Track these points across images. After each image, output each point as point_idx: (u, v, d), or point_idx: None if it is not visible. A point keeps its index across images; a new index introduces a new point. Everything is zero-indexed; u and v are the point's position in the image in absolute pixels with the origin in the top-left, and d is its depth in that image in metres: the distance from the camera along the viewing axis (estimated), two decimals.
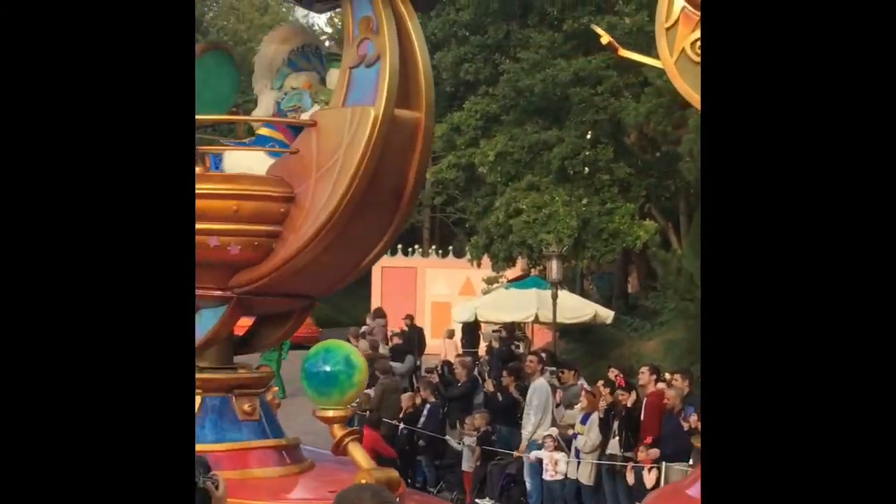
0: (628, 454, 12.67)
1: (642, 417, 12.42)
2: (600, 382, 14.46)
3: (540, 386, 14.05)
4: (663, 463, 11.66)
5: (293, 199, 6.35)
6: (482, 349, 19.22)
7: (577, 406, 14.08)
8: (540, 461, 12.81)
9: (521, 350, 18.17)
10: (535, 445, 13.62)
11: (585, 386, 14.67)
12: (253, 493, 6.46)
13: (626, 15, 18.41)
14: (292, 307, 7.13)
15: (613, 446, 13.38)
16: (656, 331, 18.53)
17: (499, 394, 17.00)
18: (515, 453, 13.80)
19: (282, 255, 6.37)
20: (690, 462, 11.67)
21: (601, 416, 13.12)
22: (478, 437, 15.32)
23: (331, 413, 6.50)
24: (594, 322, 18.81)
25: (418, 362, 17.40)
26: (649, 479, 11.86)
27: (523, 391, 15.71)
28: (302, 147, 6.39)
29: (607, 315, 18.92)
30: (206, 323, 6.71)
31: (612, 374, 16.25)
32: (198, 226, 6.22)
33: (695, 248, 17.56)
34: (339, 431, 6.46)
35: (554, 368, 15.74)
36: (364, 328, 18.08)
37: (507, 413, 16.24)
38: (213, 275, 6.59)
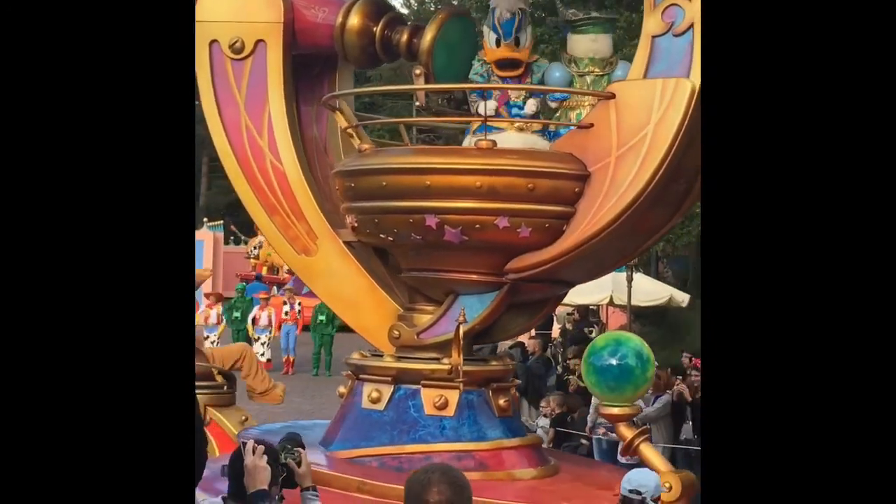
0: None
1: None
2: (669, 370, 14.50)
3: None
4: None
5: (587, 178, 5.80)
6: (555, 331, 18.80)
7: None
8: (612, 444, 12.83)
9: (595, 333, 17.79)
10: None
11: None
12: (530, 496, 5.95)
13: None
14: (550, 294, 6.59)
15: (687, 430, 13.45)
16: None
17: (572, 377, 16.92)
18: (584, 438, 13.71)
19: (574, 238, 5.82)
20: None
21: (674, 399, 13.20)
22: (552, 420, 15.23)
23: (616, 410, 6.00)
24: (669, 305, 18.47)
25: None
26: None
27: None
28: (598, 122, 5.83)
29: (683, 298, 18.57)
30: (470, 311, 6.15)
31: (686, 358, 16.13)
32: (486, 204, 5.78)
33: None
34: (627, 432, 5.96)
35: None
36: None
37: (585, 395, 16.17)
38: (486, 258, 6.05)
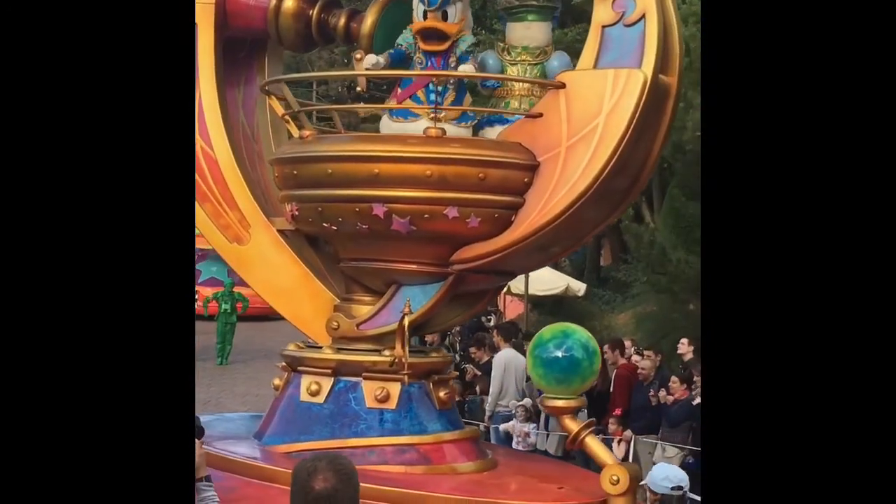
0: (598, 427, 12.96)
1: (611, 390, 12.70)
2: None
3: (499, 358, 14.13)
4: (632, 435, 11.87)
5: (537, 168, 5.73)
6: None
7: None
8: (508, 432, 12.93)
9: (493, 322, 17.82)
10: (499, 417, 13.67)
11: None
12: (477, 490, 5.86)
13: None
14: (492, 285, 6.52)
15: (582, 418, 13.60)
16: (628, 304, 18.44)
17: (469, 365, 17.01)
18: (482, 425, 13.81)
19: (523, 229, 5.75)
20: (659, 435, 11.93)
21: None
22: None
23: (561, 403, 5.94)
24: (566, 294, 18.61)
25: None
26: (618, 451, 12.18)
27: None
28: (547, 111, 5.77)
29: (579, 288, 18.72)
30: (413, 302, 6.03)
31: None
32: (435, 194, 5.68)
33: (667, 221, 17.51)
34: (573, 424, 5.91)
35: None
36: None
37: (484, 383, 16.30)
38: (432, 249, 5.94)
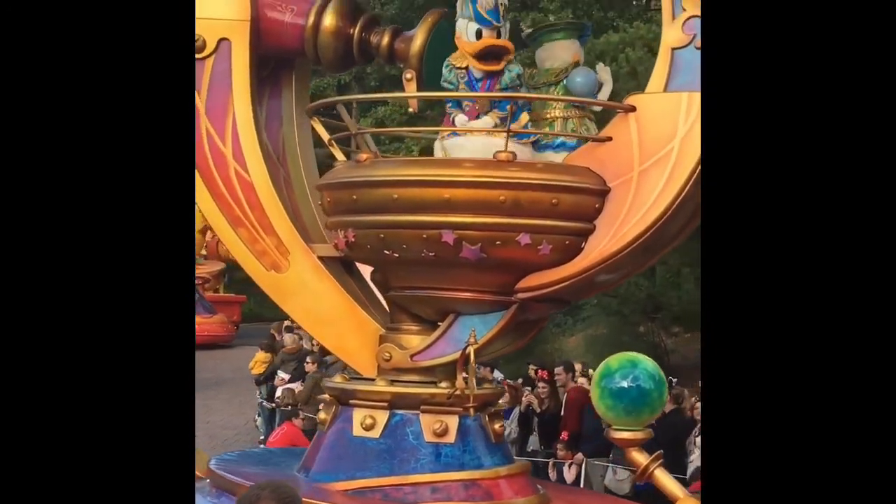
0: (549, 450, 12.95)
1: (563, 413, 12.70)
2: (519, 380, 14.60)
3: None
4: (584, 458, 11.85)
5: (607, 194, 5.59)
6: None
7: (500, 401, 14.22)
8: None
9: None
10: None
11: (509, 382, 14.73)
12: None
13: (550, 12, 18.13)
14: (545, 314, 6.35)
15: (534, 442, 13.59)
16: (578, 326, 18.40)
17: None
18: None
19: (594, 256, 5.59)
20: (610, 457, 11.92)
21: (522, 410, 13.35)
22: None
23: (627, 435, 5.78)
24: None
25: None
26: (569, 474, 12.13)
27: None
28: (617, 135, 5.63)
29: None
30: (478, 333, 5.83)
31: (532, 370, 16.30)
32: (508, 220, 5.51)
33: None
34: (640, 457, 5.73)
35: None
36: (289, 322, 16.95)
37: None
38: (498, 276, 5.75)
